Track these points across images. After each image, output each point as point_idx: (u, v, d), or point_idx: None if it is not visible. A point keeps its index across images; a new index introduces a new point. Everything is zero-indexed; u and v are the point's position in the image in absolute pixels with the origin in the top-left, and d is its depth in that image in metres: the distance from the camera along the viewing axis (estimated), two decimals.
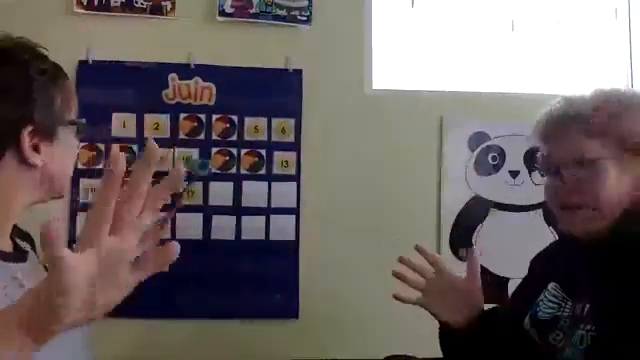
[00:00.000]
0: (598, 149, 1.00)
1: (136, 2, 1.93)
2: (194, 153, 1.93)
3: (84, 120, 0.96)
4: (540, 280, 1.13)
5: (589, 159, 1.00)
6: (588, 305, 0.99)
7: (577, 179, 1.01)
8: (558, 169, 1.03)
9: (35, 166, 0.86)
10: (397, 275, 1.25)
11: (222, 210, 1.93)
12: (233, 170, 1.95)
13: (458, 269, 1.27)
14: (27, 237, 1.03)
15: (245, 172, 1.95)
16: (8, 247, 0.90)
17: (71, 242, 1.97)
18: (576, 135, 1.02)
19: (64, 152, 0.91)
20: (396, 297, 1.25)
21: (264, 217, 1.95)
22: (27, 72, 0.85)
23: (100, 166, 1.90)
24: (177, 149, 1.94)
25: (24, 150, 0.85)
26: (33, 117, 0.85)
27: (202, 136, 1.95)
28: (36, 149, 0.86)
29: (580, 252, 1.06)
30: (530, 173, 2.02)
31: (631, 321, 0.90)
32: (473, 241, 2.01)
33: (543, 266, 1.18)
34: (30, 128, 0.85)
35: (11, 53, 0.86)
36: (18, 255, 0.91)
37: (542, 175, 1.11)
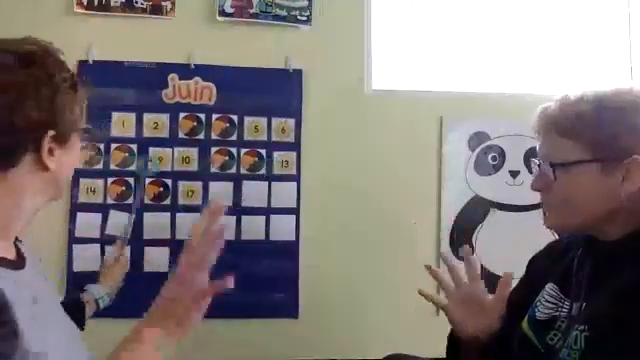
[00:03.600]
0: (568, 150, 0.99)
1: (136, 2, 1.93)
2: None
3: (90, 127, 0.98)
4: (537, 281, 1.13)
5: (552, 163, 1.01)
6: (584, 304, 0.99)
7: (541, 177, 1.04)
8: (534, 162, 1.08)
9: (49, 170, 0.88)
10: (431, 271, 1.24)
11: None
12: (233, 170, 1.95)
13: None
14: None
15: (245, 172, 1.95)
16: (12, 254, 0.90)
17: (71, 242, 1.96)
18: (551, 136, 1.03)
19: (73, 158, 0.93)
20: (421, 293, 1.24)
21: (264, 217, 1.95)
22: (54, 78, 0.87)
23: (100, 166, 1.90)
24: (176, 149, 1.94)
25: (43, 154, 0.86)
26: (56, 122, 0.87)
27: (202, 136, 1.95)
28: (51, 153, 0.87)
29: (577, 252, 1.06)
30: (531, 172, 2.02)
31: (624, 322, 0.90)
32: (473, 241, 2.01)
33: (540, 267, 1.18)
34: (52, 133, 0.86)
35: (40, 58, 0.88)
36: (20, 262, 0.90)
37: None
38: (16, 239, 0.93)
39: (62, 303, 1.37)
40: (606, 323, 0.92)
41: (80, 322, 1.39)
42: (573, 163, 0.98)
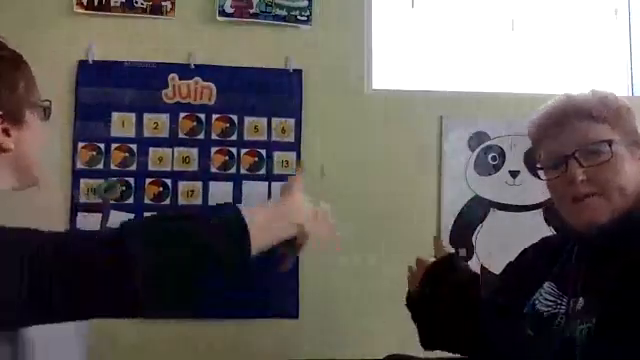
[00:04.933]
0: (608, 133, 1.02)
1: (136, 2, 1.93)
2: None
3: (48, 102, 0.95)
4: (534, 277, 1.13)
5: (601, 141, 1.01)
6: (582, 300, 1.00)
7: (590, 165, 1.01)
8: (566, 160, 1.02)
9: (8, 150, 0.86)
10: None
11: None
12: (233, 170, 1.95)
13: None
14: None
15: (245, 172, 1.95)
16: None
17: None
18: (583, 122, 1.04)
19: (33, 136, 0.91)
20: None
21: None
22: None
23: (100, 166, 1.90)
24: (176, 148, 1.94)
25: None
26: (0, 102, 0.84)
27: (201, 135, 1.95)
28: (6, 133, 0.86)
29: (576, 248, 1.07)
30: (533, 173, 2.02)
31: (623, 314, 0.91)
32: (473, 241, 2.01)
33: (533, 263, 1.18)
34: None
35: None
36: None
37: (545, 173, 1.11)
38: None
39: None
40: (607, 315, 0.93)
41: None
42: (610, 142, 1.01)
